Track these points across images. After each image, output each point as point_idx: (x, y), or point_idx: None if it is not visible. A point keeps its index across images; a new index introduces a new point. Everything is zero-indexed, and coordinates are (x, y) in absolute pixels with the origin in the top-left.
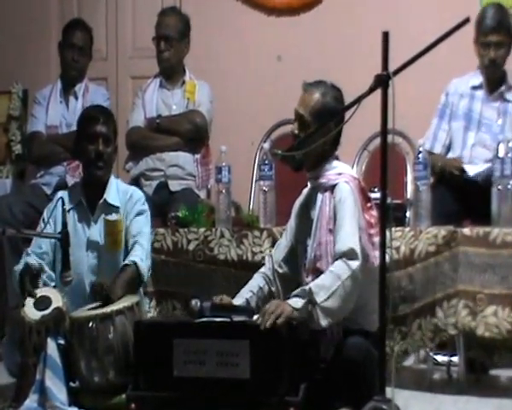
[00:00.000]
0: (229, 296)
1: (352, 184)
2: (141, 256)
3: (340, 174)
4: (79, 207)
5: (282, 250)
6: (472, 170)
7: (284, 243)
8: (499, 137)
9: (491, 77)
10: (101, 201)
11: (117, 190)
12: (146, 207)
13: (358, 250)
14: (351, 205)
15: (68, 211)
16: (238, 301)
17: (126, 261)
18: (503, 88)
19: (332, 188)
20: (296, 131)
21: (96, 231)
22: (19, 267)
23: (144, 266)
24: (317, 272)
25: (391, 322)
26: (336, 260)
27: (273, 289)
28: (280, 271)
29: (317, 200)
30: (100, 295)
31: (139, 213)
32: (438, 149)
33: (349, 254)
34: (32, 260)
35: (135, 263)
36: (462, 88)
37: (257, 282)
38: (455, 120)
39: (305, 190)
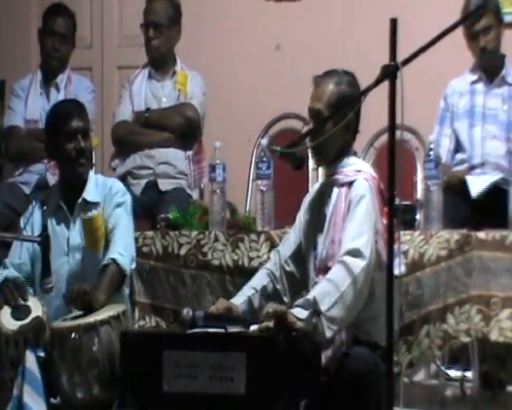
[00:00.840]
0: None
1: (371, 182)
2: (119, 250)
3: (358, 171)
4: (58, 211)
5: (290, 246)
6: (475, 188)
7: (293, 238)
8: (507, 125)
9: (487, 65)
10: (80, 200)
11: (96, 186)
12: (126, 198)
13: (366, 251)
14: (366, 203)
15: (47, 215)
16: (239, 299)
17: (104, 261)
18: (503, 72)
19: (349, 184)
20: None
21: (76, 233)
22: None
23: (125, 260)
24: (328, 272)
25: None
26: (339, 260)
27: (278, 287)
28: (287, 268)
29: (331, 195)
30: (77, 302)
31: (118, 205)
32: (443, 157)
33: (354, 254)
34: (10, 272)
35: (114, 260)
36: (460, 86)
37: (260, 279)
38: (457, 120)
39: (318, 185)
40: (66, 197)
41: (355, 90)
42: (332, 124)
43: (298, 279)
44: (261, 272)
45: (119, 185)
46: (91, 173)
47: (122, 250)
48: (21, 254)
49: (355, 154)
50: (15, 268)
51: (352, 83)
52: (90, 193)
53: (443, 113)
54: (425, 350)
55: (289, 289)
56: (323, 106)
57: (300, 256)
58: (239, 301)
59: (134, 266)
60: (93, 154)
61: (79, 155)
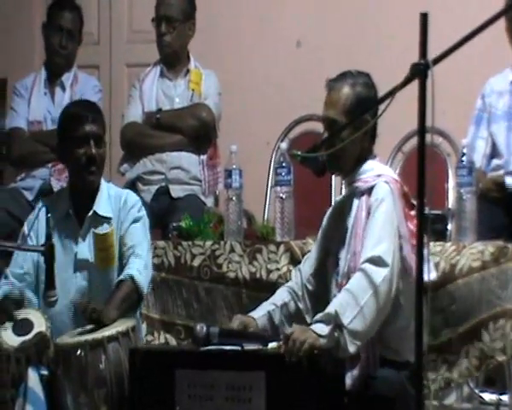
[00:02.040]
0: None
1: (392, 185)
2: (138, 268)
3: (379, 176)
4: (66, 220)
5: (311, 264)
6: None
7: (314, 255)
8: None
9: None
10: (91, 213)
11: (108, 197)
12: (143, 212)
13: (388, 258)
14: (386, 207)
15: (53, 223)
16: (258, 313)
17: (121, 276)
18: None
19: (369, 191)
20: None
21: (85, 248)
22: None
23: (143, 278)
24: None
25: (433, 350)
26: (360, 269)
27: (301, 306)
28: (309, 287)
29: (352, 205)
30: (87, 315)
31: (135, 221)
32: (477, 162)
33: (375, 262)
34: (11, 287)
35: (131, 277)
36: (500, 86)
37: (281, 296)
38: (495, 122)
39: (339, 198)
40: (76, 206)
41: (371, 90)
42: (350, 130)
43: (321, 298)
44: (282, 289)
45: (134, 198)
46: (103, 182)
47: (141, 268)
48: (24, 263)
49: (374, 157)
50: (17, 278)
51: (368, 83)
52: (102, 206)
53: (479, 113)
54: (463, 371)
55: (312, 308)
56: (339, 113)
57: (323, 274)
58: (258, 314)
59: (150, 288)
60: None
61: (90, 161)
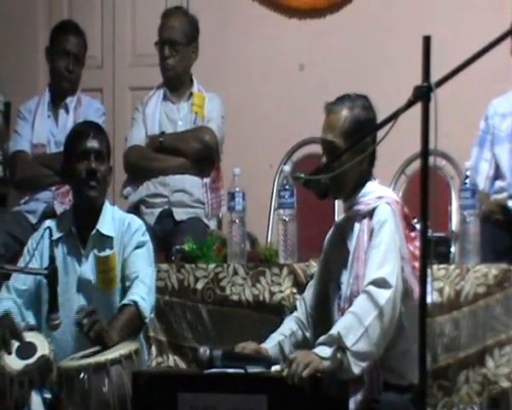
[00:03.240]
0: (254, 342)
1: (393, 206)
2: (141, 294)
3: (380, 198)
4: (69, 239)
5: (314, 292)
6: None
7: (316, 282)
8: None
9: None
10: (94, 232)
11: (112, 219)
12: (147, 237)
13: (392, 280)
14: (389, 228)
15: (56, 242)
16: (269, 344)
17: (125, 301)
18: None
19: (371, 213)
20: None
21: (88, 268)
22: None
23: (146, 305)
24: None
25: (430, 375)
26: (364, 290)
27: (308, 334)
28: (314, 315)
29: (354, 228)
30: (88, 329)
31: (139, 246)
32: (480, 184)
33: (379, 283)
34: (12, 304)
35: (135, 302)
36: (503, 107)
37: (289, 326)
38: (498, 143)
39: (339, 221)
40: (79, 225)
41: (370, 113)
42: (349, 154)
43: (325, 324)
44: (289, 319)
45: (138, 222)
46: (107, 204)
47: (144, 294)
48: (26, 279)
49: (374, 179)
50: (18, 294)
51: (366, 106)
52: (105, 226)
53: (483, 135)
54: (463, 397)
55: (318, 335)
56: (337, 136)
57: (326, 300)
58: (270, 345)
59: (153, 315)
60: (107, 181)
61: (90, 176)
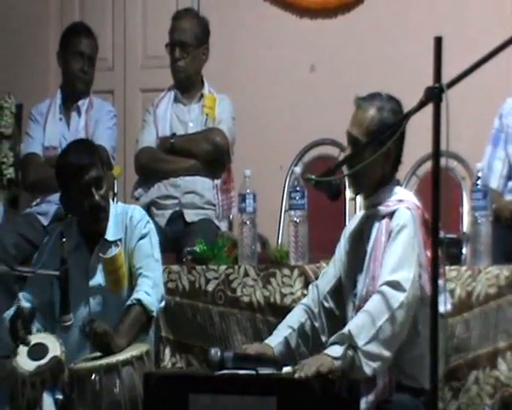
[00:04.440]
0: (259, 343)
1: (414, 212)
2: (145, 290)
3: (401, 201)
4: (78, 248)
5: (329, 280)
6: None
7: (332, 271)
8: None
9: None
10: (100, 241)
11: (116, 223)
12: (149, 227)
13: (406, 285)
14: (408, 233)
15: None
16: (275, 340)
17: (129, 301)
18: None
19: (391, 215)
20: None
21: (98, 275)
22: (9, 313)
23: (151, 299)
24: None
25: (442, 378)
26: (378, 290)
27: (317, 324)
28: (326, 304)
29: (372, 229)
30: (95, 341)
31: (141, 237)
32: (494, 183)
33: (393, 286)
34: (24, 302)
35: (138, 300)
36: None
37: (297, 316)
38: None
39: (358, 217)
40: (86, 236)
41: (398, 118)
42: (371, 152)
43: (338, 317)
44: (298, 307)
45: (139, 213)
46: (111, 207)
47: (149, 289)
48: (42, 282)
49: (398, 183)
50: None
51: (396, 111)
52: (111, 232)
53: (497, 133)
54: (474, 398)
55: (328, 326)
56: (362, 133)
57: (339, 293)
58: (275, 341)
59: (163, 304)
60: (109, 194)
61: (96, 211)
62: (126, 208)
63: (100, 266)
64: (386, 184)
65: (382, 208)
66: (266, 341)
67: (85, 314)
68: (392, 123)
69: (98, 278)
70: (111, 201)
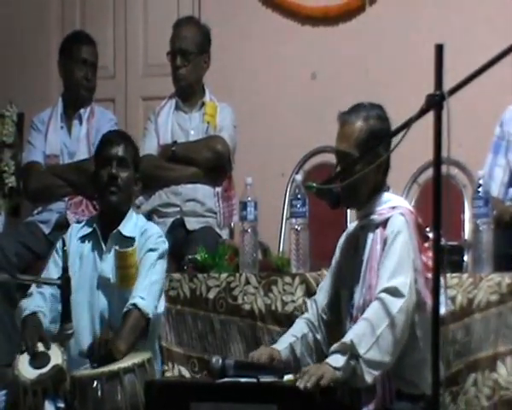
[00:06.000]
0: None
1: (408, 217)
2: (140, 294)
3: (393, 208)
4: (92, 237)
5: (326, 294)
6: None
7: (328, 285)
8: None
9: None
10: (115, 231)
11: (135, 225)
12: (161, 245)
13: (404, 290)
14: (403, 239)
15: (82, 239)
16: (281, 345)
17: (125, 308)
18: None
19: (384, 223)
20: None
21: (108, 267)
22: (26, 309)
23: (146, 302)
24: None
25: (443, 383)
26: (377, 298)
27: (318, 337)
28: (325, 317)
29: (367, 239)
30: (100, 352)
31: (151, 250)
32: (494, 190)
33: (392, 292)
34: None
35: (135, 305)
36: None
37: (300, 327)
38: None
39: (352, 227)
40: (103, 226)
41: (385, 123)
42: (363, 163)
43: (335, 328)
44: (299, 321)
45: (155, 229)
46: (132, 212)
47: (144, 294)
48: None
49: (388, 189)
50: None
51: (381, 116)
52: (127, 228)
53: (498, 141)
54: (471, 400)
55: (328, 338)
56: (352, 147)
57: (337, 304)
58: (281, 347)
59: (161, 309)
60: (131, 188)
61: (110, 181)
62: (145, 223)
63: (112, 259)
64: (378, 192)
65: (376, 217)
66: (273, 346)
67: (94, 303)
68: (381, 130)
69: (108, 271)
70: (135, 212)
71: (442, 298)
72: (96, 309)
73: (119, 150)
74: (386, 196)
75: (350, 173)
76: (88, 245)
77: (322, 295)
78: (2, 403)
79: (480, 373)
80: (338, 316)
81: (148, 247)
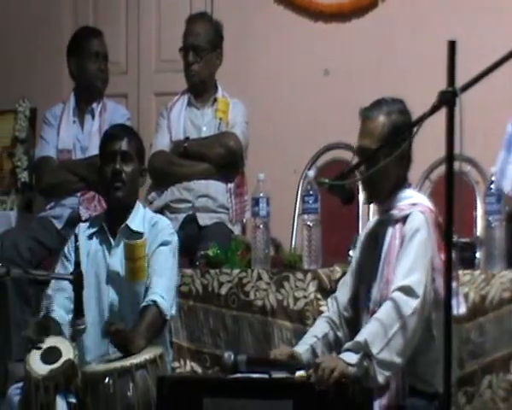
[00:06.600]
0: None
1: (427, 215)
2: (160, 293)
3: (414, 204)
4: (100, 233)
5: (347, 291)
6: None
7: (349, 281)
8: None
9: None
10: (123, 226)
11: (142, 218)
12: (173, 238)
13: (419, 290)
14: (421, 237)
15: (90, 237)
16: (301, 348)
17: (145, 302)
18: None
19: (404, 219)
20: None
21: (117, 261)
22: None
23: (166, 303)
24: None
25: (456, 383)
26: (390, 297)
27: (340, 334)
28: (346, 315)
29: (386, 234)
30: (114, 340)
31: (163, 244)
32: (507, 187)
33: (405, 291)
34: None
35: (154, 302)
36: None
37: (320, 327)
38: None
39: (372, 222)
40: (110, 221)
41: (406, 117)
42: (384, 156)
43: (357, 325)
44: (320, 320)
45: (165, 222)
46: (139, 205)
47: (164, 293)
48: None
49: (410, 186)
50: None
51: (403, 110)
52: (135, 222)
53: (509, 138)
54: (487, 402)
55: (350, 335)
56: (375, 142)
57: (357, 300)
58: (301, 349)
59: (174, 311)
60: (136, 182)
61: (114, 177)
62: (154, 216)
63: (121, 253)
64: (400, 187)
65: (395, 213)
66: (294, 348)
67: (104, 298)
68: (403, 123)
69: (117, 265)
70: (141, 205)
71: (461, 298)
72: (105, 304)
73: (122, 145)
74: (407, 192)
75: (371, 167)
76: (96, 242)
77: (342, 292)
78: (16, 397)
79: (495, 375)
80: (359, 313)
81: (160, 240)
